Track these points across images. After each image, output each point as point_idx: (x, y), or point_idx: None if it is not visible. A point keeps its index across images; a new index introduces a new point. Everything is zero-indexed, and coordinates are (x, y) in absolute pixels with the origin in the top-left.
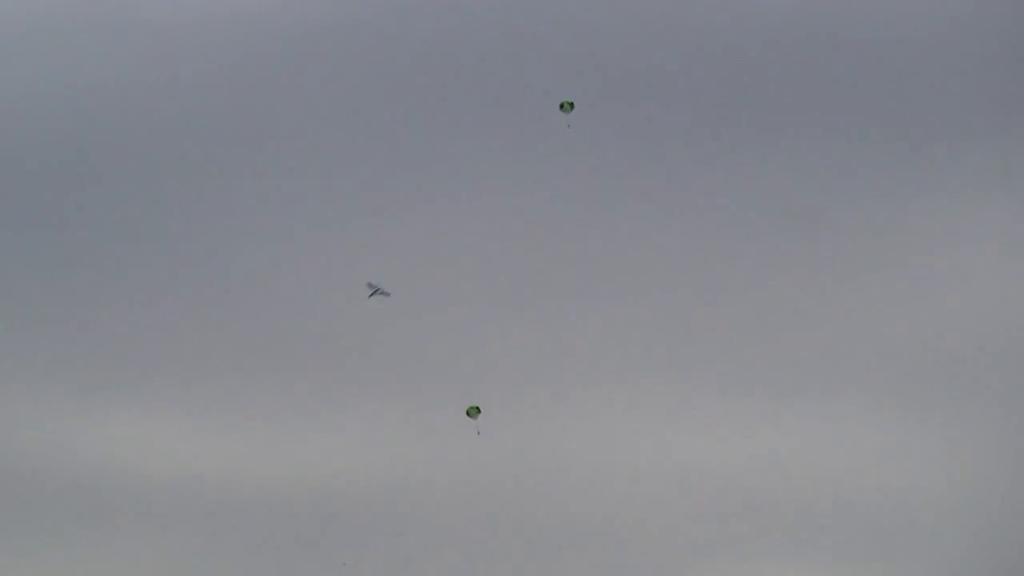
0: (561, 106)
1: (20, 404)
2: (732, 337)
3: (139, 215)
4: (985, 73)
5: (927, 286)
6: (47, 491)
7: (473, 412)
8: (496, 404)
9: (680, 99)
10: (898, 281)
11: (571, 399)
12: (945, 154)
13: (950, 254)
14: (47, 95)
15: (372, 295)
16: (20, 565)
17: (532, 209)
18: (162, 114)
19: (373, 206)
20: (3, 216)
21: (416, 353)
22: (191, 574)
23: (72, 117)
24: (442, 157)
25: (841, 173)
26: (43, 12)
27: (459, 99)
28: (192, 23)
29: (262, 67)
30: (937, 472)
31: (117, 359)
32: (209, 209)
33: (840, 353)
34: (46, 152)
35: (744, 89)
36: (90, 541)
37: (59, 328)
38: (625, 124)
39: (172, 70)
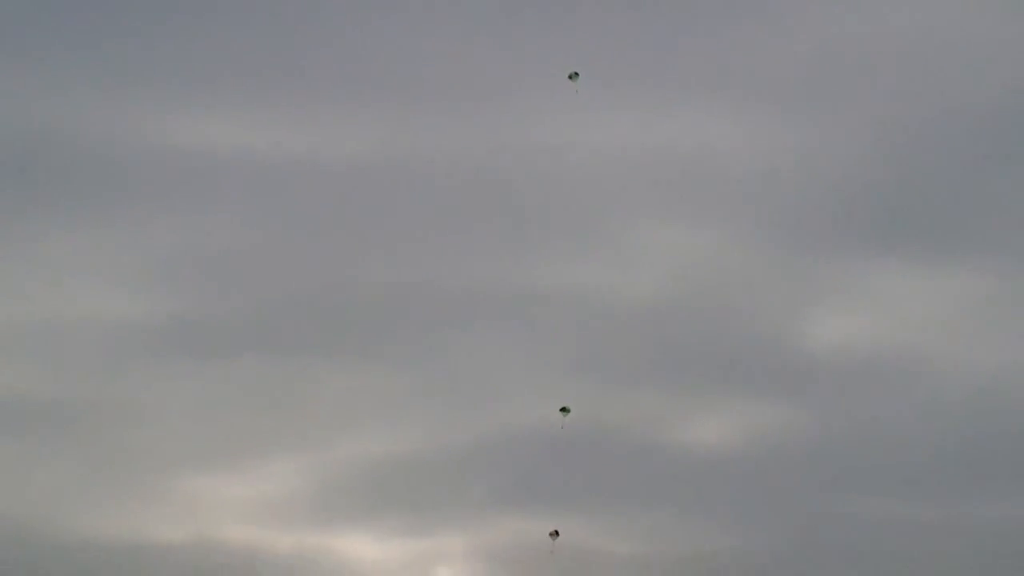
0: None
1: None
2: (655, 55)
3: None
4: None
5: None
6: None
7: (565, 412)
8: (474, 102)
9: None
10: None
11: (535, 100)
12: None
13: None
14: None
15: None
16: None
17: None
18: None
19: None
20: None
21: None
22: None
23: None
24: None
25: None
26: None
27: None
28: None
29: None
30: (784, 149)
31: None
32: None
33: (732, 62)
34: None
35: None
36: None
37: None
38: None
39: None
